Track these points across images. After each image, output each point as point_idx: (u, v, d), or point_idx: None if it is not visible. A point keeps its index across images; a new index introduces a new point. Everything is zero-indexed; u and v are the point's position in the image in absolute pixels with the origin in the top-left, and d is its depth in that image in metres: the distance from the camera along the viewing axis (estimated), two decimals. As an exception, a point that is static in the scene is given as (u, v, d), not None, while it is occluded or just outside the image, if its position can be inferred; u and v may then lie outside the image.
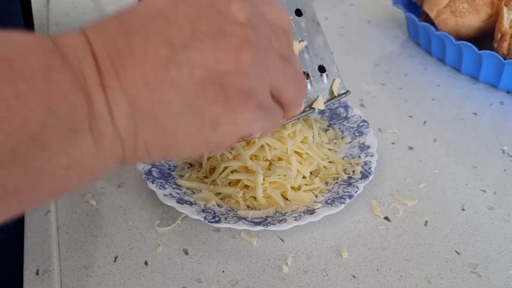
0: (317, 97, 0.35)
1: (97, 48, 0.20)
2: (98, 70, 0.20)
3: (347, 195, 0.36)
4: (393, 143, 0.45)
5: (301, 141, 0.39)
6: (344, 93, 0.36)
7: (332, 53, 0.36)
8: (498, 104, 0.51)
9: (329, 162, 0.41)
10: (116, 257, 0.34)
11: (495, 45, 0.48)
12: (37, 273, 0.33)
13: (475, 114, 0.49)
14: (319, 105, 0.34)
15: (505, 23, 0.46)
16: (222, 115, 0.22)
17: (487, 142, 0.46)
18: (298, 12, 0.35)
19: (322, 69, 0.36)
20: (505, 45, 0.47)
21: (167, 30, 0.21)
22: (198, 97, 0.21)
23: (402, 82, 0.54)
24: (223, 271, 0.33)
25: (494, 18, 0.49)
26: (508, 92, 0.52)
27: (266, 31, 0.25)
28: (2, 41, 0.18)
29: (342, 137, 0.43)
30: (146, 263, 0.34)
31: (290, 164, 0.37)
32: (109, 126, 0.20)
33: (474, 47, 0.49)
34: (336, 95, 0.36)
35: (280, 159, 0.38)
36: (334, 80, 0.36)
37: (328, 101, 0.35)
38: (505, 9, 0.47)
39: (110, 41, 0.21)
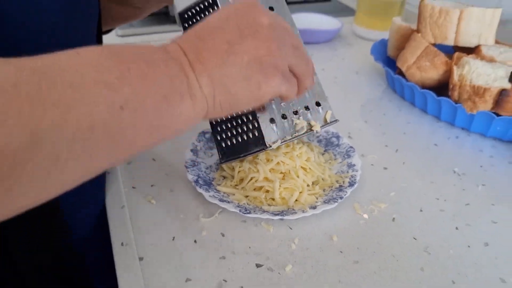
0: (315, 123, 0.50)
1: (185, 49, 0.35)
2: (188, 61, 0.34)
3: (339, 197, 0.51)
4: (372, 165, 0.60)
5: (305, 160, 0.54)
6: (334, 120, 0.51)
7: (327, 97, 0.52)
8: (454, 138, 0.66)
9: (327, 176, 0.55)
10: (174, 237, 0.48)
11: (450, 93, 0.64)
12: (122, 244, 0.47)
13: (436, 145, 0.65)
14: (317, 128, 0.49)
15: (455, 77, 0.63)
16: (262, 79, 0.37)
17: (443, 165, 0.61)
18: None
19: (318, 104, 0.51)
20: (455, 93, 0.63)
21: (224, 35, 0.36)
22: (247, 70, 0.36)
23: (382, 120, 0.70)
24: (250, 247, 0.47)
25: (449, 73, 0.65)
26: (462, 128, 0.68)
27: (282, 31, 0.40)
28: (137, 46, 0.33)
29: (335, 159, 0.58)
30: (195, 241, 0.48)
31: (298, 176, 0.52)
32: (199, 91, 0.34)
33: (434, 94, 0.65)
34: (328, 122, 0.51)
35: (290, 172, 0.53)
36: (327, 111, 0.51)
37: (322, 126, 0.51)
38: (455, 67, 0.63)
39: (192, 44, 0.35)
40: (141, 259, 0.46)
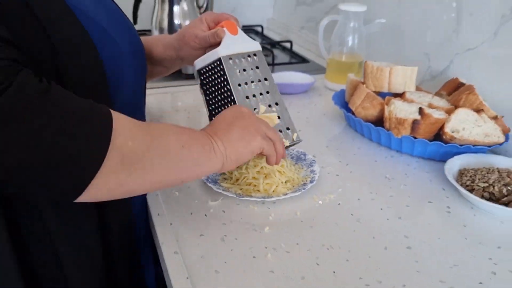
0: (285, 140, 0.77)
1: (207, 131, 0.63)
2: (210, 136, 0.62)
3: (302, 189, 0.76)
4: (328, 173, 0.86)
5: (281, 165, 0.79)
6: (299, 140, 0.78)
7: (298, 130, 0.79)
8: (390, 157, 0.92)
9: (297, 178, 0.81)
10: (191, 213, 0.73)
11: (384, 124, 0.91)
12: (158, 215, 0.72)
13: (376, 161, 0.91)
14: (286, 143, 0.76)
15: (386, 113, 0.90)
16: (251, 138, 0.64)
17: (379, 173, 0.86)
18: (276, 104, 0.79)
19: (288, 128, 0.78)
20: (387, 124, 0.90)
21: (225, 121, 0.65)
22: (241, 134, 0.64)
23: (339, 146, 0.96)
24: (241, 218, 0.72)
25: (383, 110, 0.93)
26: (397, 151, 0.94)
27: (257, 117, 0.68)
28: (187, 128, 0.62)
29: (302, 168, 0.84)
30: (205, 215, 0.73)
31: (276, 176, 0.78)
32: (218, 149, 0.61)
33: (373, 126, 0.92)
34: (295, 140, 0.78)
35: (270, 173, 0.78)
36: (294, 134, 0.78)
37: (291, 143, 0.77)
38: (386, 106, 0.91)
39: (211, 129, 0.64)
40: (171, 224, 0.70)
